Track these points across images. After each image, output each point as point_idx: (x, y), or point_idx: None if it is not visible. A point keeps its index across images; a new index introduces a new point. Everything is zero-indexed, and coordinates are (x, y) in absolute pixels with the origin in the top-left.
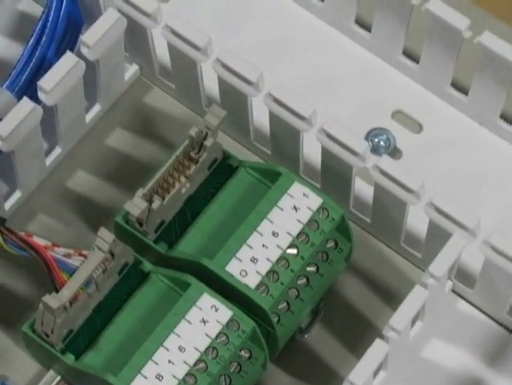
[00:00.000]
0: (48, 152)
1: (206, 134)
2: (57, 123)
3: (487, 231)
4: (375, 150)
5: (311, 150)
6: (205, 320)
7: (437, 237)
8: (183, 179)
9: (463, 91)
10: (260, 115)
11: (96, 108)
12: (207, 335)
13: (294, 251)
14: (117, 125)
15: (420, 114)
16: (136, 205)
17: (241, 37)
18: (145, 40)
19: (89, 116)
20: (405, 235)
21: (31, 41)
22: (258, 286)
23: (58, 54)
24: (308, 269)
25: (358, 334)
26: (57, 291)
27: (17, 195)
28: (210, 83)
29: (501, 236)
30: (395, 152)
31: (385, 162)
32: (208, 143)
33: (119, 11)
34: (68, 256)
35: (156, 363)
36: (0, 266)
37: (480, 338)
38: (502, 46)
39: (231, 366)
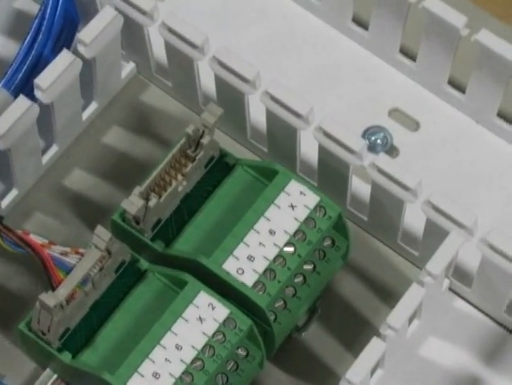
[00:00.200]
0: (45, 150)
1: (203, 132)
2: (53, 121)
3: (484, 229)
4: (372, 148)
5: (308, 148)
6: (201, 318)
7: (434, 235)
8: (180, 177)
9: (460, 89)
10: (257, 113)
11: (93, 106)
12: (204, 333)
13: (291, 249)
14: (114, 123)
15: (417, 112)
16: (132, 203)
17: (238, 35)
18: (142, 38)
19: (86, 114)
20: (402, 233)
21: (28, 39)
22: (255, 284)
23: (55, 52)
24: (305, 267)
25: (355, 332)
26: (53, 289)
27: (13, 193)
28: (207, 80)
29: (499, 234)
30: (392, 150)
31: (382, 160)
32: (205, 141)
33: (116, 9)
34: (65, 254)
35: (153, 362)
36: None
37: (477, 337)
38: (499, 44)
39: (228, 365)
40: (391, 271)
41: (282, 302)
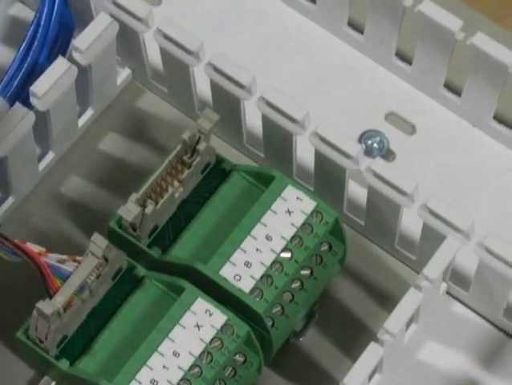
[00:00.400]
0: (41, 157)
1: (199, 138)
2: (49, 128)
3: (481, 233)
4: (369, 152)
5: (304, 153)
6: (199, 325)
7: (431, 239)
8: (176, 183)
9: (456, 92)
10: (253, 119)
11: (89, 113)
12: (201, 340)
13: (288, 255)
14: (110, 129)
15: (413, 115)
16: (129, 210)
17: (234, 40)
18: (137, 44)
19: (82, 121)
20: (399, 237)
21: (23, 46)
22: (252, 290)
23: (50, 58)
24: (302, 272)
25: (353, 337)
26: (51, 297)
27: (10, 201)
28: (203, 86)
29: (496, 238)
30: (388, 154)
31: (379, 165)
32: (201, 147)
33: (111, 15)
34: (62, 262)
35: (151, 369)
36: None
37: (475, 340)
38: (495, 48)
39: (226, 371)
40: (388, 275)
41: (279, 308)
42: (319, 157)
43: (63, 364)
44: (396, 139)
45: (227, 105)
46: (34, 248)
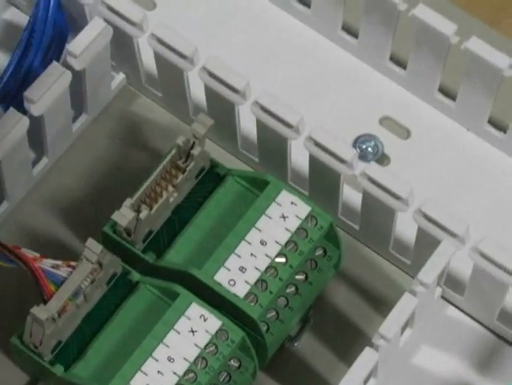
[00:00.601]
0: (35, 162)
1: (193, 143)
2: (44, 133)
3: (476, 236)
4: (363, 156)
5: (299, 157)
6: (193, 330)
7: (426, 243)
8: (170, 188)
9: (451, 96)
10: (247, 123)
11: (83, 117)
12: (196, 345)
13: (282, 260)
14: (104, 134)
15: (407, 120)
16: (123, 215)
17: (228, 44)
18: (131, 49)
19: (76, 126)
20: (394, 242)
21: (17, 51)
22: (247, 295)
23: (45, 63)
24: (297, 277)
25: (348, 341)
26: (45, 303)
27: (4, 206)
28: (197, 91)
29: (490, 242)
30: (383, 159)
31: (373, 169)
32: (195, 152)
33: (105, 20)
34: (56, 267)
35: (146, 374)
36: None
37: (470, 345)
38: (489, 52)
39: (221, 376)
40: (383, 280)
41: (274, 313)
42: (314, 162)
43: (58, 369)
44: (390, 143)
45: (221, 110)
46: (28, 253)
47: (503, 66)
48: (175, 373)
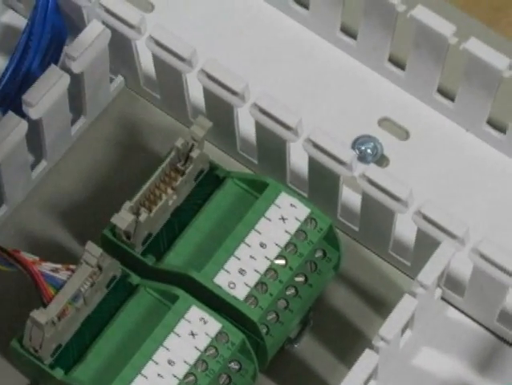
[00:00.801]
0: (34, 166)
1: (192, 145)
2: (42, 136)
3: (475, 237)
4: (363, 158)
5: (298, 159)
6: (193, 333)
7: (426, 245)
8: (170, 191)
9: (449, 97)
10: (246, 125)
11: (82, 120)
12: (196, 348)
13: (282, 262)
14: (103, 137)
15: (406, 121)
16: (122, 218)
17: (227, 46)
18: (130, 51)
19: (74, 128)
20: (394, 243)
21: (15, 54)
22: (247, 298)
23: (43, 67)
24: (297, 279)
25: (348, 343)
26: (45, 306)
27: (3, 209)
28: (196, 93)
29: (490, 243)
30: (382, 160)
31: (372, 171)
32: (194, 154)
33: (104, 23)
34: (56, 270)
35: (146, 377)
36: None
37: (470, 346)
38: (488, 52)
39: (221, 379)
40: (383, 281)
41: (274, 315)
42: (313, 164)
43: (58, 373)
44: (389, 144)
45: (220, 112)
46: (27, 257)
47: (502, 66)
48: (175, 376)
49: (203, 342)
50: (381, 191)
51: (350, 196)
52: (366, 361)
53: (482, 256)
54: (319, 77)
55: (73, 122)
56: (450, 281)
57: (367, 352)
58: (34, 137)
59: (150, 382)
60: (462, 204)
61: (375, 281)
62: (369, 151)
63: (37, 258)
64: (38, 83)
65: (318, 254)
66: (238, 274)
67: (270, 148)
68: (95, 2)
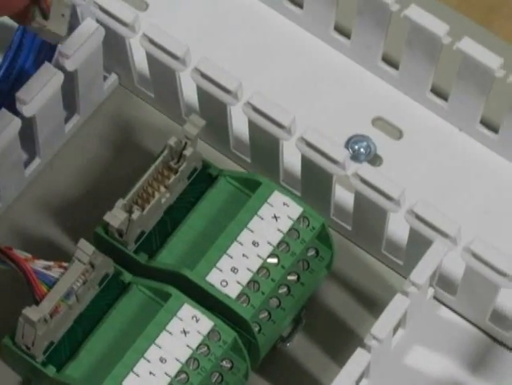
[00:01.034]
0: (27, 163)
1: (185, 143)
2: (36, 133)
3: (468, 237)
4: (356, 157)
5: (291, 158)
6: (185, 331)
7: (418, 244)
8: (163, 189)
9: (443, 96)
10: (239, 124)
11: (75, 118)
12: (188, 346)
13: (274, 260)
14: (96, 135)
15: (400, 120)
16: (115, 216)
17: (220, 45)
18: (124, 49)
19: (68, 126)
20: (386, 242)
21: (9, 52)
22: (239, 296)
23: (37, 64)
24: (289, 278)
25: (340, 342)
26: (37, 303)
27: None
28: (189, 91)
29: (482, 243)
30: (375, 159)
31: (365, 170)
32: (187, 152)
33: (97, 21)
34: (48, 268)
35: (138, 375)
36: None
37: (462, 345)
38: (481, 52)
39: (213, 377)
40: (375, 280)
41: (266, 313)
42: (306, 162)
43: (50, 370)
44: (383, 144)
45: (214, 110)
46: (20, 254)
47: (495, 66)
48: (167, 374)
49: (195, 340)
50: (374, 190)
51: (343, 195)
52: (358, 360)
53: (474, 255)
54: (313, 76)
55: (66, 120)
56: (442, 281)
57: (359, 351)
58: (28, 135)
59: (142, 379)
60: (455, 203)
61: (368, 280)
62: (362, 150)
63: (29, 255)
64: (32, 81)
65: (311, 253)
66: (231, 272)
67: (263, 147)
68: (89, 0)
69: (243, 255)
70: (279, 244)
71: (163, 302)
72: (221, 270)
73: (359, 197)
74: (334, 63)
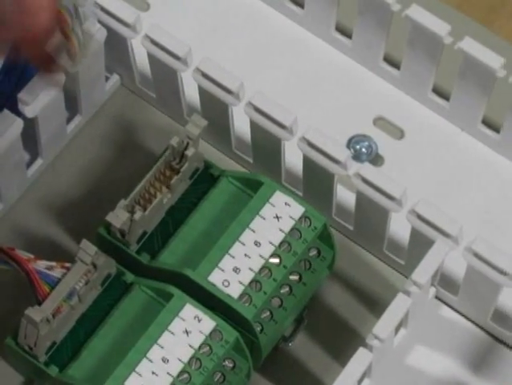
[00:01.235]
0: (29, 164)
1: (187, 144)
2: (38, 134)
3: (469, 236)
4: (357, 157)
5: (293, 158)
6: (188, 331)
7: (420, 243)
8: (164, 189)
9: (444, 96)
10: (241, 124)
11: (77, 119)
12: (190, 346)
13: (276, 260)
14: (98, 135)
15: (401, 120)
16: (117, 216)
17: (222, 45)
18: (125, 50)
19: (70, 127)
20: (388, 242)
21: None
22: (241, 296)
23: None
24: (291, 277)
25: (342, 341)
26: (40, 304)
27: None
28: (191, 92)
29: (484, 242)
30: (377, 159)
31: (367, 170)
32: (189, 152)
33: (99, 22)
34: (51, 268)
35: (140, 375)
36: None
37: (464, 344)
38: (483, 52)
39: (215, 377)
40: (377, 280)
41: (268, 313)
42: (308, 162)
43: (52, 370)
44: (384, 143)
45: (215, 111)
46: (22, 254)
47: (497, 66)
48: (169, 374)
49: (197, 340)
50: (376, 190)
51: (344, 195)
52: (360, 359)
53: (476, 254)
54: (314, 76)
55: (68, 120)
56: (444, 280)
57: (361, 350)
58: (30, 136)
59: (144, 379)
60: (456, 203)
61: (370, 280)
62: (364, 150)
63: (32, 256)
64: (34, 82)
65: (313, 253)
66: (233, 272)
67: (265, 147)
68: (91, 1)
69: (245, 255)
70: (281, 244)
71: (165, 302)
72: (223, 270)
73: (360, 197)
74: (335, 63)
